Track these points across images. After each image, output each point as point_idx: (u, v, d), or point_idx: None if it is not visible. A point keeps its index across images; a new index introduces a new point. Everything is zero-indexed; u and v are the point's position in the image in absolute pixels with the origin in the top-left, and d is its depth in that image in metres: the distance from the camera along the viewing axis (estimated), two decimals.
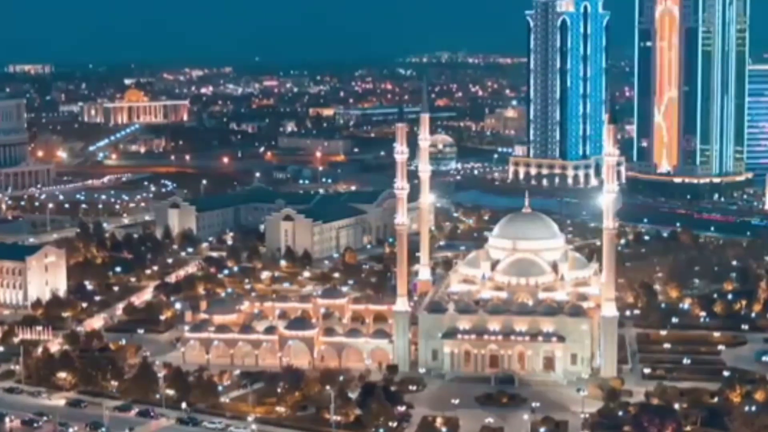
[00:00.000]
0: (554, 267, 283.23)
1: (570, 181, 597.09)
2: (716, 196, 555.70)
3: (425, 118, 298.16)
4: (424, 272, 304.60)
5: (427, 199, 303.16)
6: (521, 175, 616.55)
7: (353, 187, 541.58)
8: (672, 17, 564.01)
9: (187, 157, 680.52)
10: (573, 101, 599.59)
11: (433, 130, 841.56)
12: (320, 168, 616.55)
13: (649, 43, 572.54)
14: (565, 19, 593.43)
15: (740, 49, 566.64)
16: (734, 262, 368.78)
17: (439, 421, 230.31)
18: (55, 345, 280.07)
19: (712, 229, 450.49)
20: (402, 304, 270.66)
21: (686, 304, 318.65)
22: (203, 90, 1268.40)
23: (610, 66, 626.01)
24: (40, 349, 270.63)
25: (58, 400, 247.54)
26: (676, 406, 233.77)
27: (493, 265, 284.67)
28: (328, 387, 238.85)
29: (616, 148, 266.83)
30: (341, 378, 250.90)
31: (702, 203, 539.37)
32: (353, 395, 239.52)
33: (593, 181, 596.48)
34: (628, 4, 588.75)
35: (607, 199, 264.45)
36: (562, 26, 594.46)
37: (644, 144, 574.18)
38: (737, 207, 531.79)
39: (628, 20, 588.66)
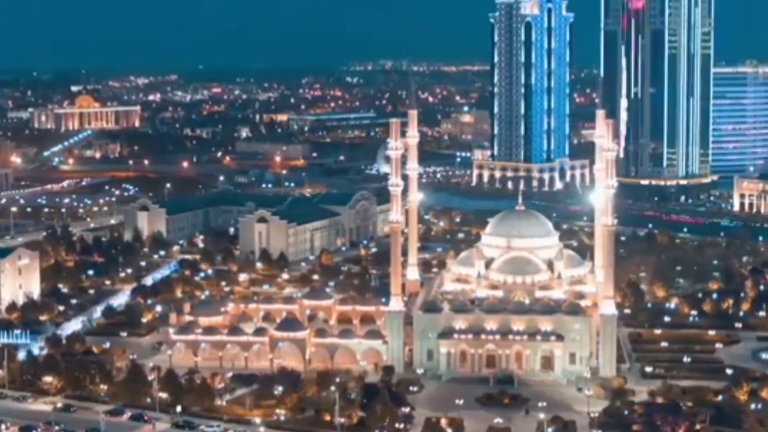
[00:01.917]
0: (549, 265, 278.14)
1: (535, 183, 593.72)
2: (683, 198, 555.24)
3: (413, 114, 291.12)
4: (412, 272, 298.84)
5: (416, 197, 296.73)
6: (485, 178, 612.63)
7: (318, 191, 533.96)
8: (638, 19, 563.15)
9: (146, 162, 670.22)
10: (537, 104, 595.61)
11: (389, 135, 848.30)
12: (284, 171, 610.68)
13: (614, 45, 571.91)
14: (530, 22, 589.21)
15: (705, 52, 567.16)
16: (714, 262, 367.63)
17: (443, 422, 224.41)
18: (36, 349, 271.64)
19: (685, 230, 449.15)
20: (396, 304, 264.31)
21: (673, 304, 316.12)
22: (151, 97, 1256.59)
23: (575, 67, 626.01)
24: (23, 353, 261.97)
25: (44, 405, 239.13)
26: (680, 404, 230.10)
27: (488, 263, 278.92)
28: (333, 388, 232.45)
29: (615, 144, 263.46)
30: (338, 380, 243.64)
31: (669, 205, 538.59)
32: (353, 397, 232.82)
33: (558, 184, 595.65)
34: (592, 7, 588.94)
35: (606, 196, 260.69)
36: (526, 29, 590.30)
37: None
38: (705, 209, 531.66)
39: (593, 22, 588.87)
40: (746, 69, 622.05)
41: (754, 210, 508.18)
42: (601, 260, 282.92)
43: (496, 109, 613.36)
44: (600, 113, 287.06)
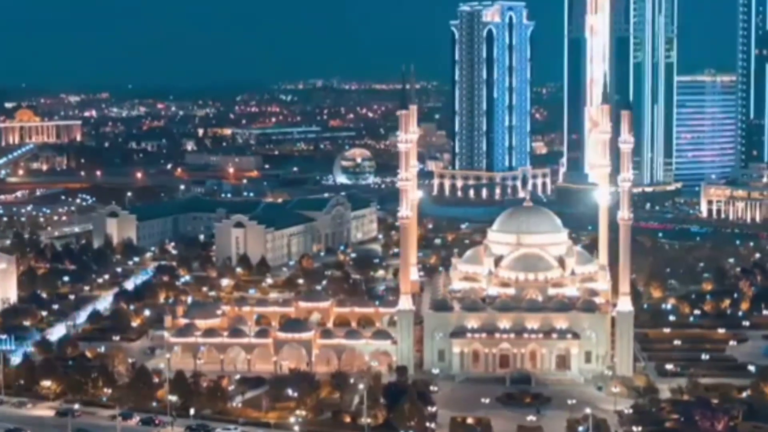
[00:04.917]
0: (560, 262, 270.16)
1: (498, 191, 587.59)
2: (648, 205, 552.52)
3: (413, 109, 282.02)
4: (411, 272, 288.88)
5: (416, 194, 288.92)
6: (447, 187, 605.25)
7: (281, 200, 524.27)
8: (602, 26, 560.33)
9: (98, 173, 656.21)
10: (499, 112, 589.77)
11: (340, 147, 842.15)
12: (244, 181, 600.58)
13: (577, 53, 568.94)
14: (491, 30, 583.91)
15: (669, 60, 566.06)
16: (701, 264, 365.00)
17: (470, 420, 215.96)
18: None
19: (660, 235, 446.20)
20: (406, 303, 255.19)
21: (669, 305, 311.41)
22: (87, 113, 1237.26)
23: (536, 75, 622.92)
24: (15, 359, 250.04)
25: (45, 411, 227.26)
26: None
27: (497, 260, 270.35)
28: (360, 386, 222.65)
29: (631, 136, 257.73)
30: (352, 380, 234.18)
31: (636, 212, 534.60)
32: (376, 397, 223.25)
33: (521, 192, 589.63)
34: (556, 14, 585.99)
35: (623, 189, 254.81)
36: (488, 37, 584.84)
37: (572, 156, 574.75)
38: (672, 215, 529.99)
39: (556, 30, 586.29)
40: (705, 78, 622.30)
41: (722, 216, 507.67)
42: (609, 257, 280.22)
43: (457, 117, 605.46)
44: (605, 108, 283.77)
